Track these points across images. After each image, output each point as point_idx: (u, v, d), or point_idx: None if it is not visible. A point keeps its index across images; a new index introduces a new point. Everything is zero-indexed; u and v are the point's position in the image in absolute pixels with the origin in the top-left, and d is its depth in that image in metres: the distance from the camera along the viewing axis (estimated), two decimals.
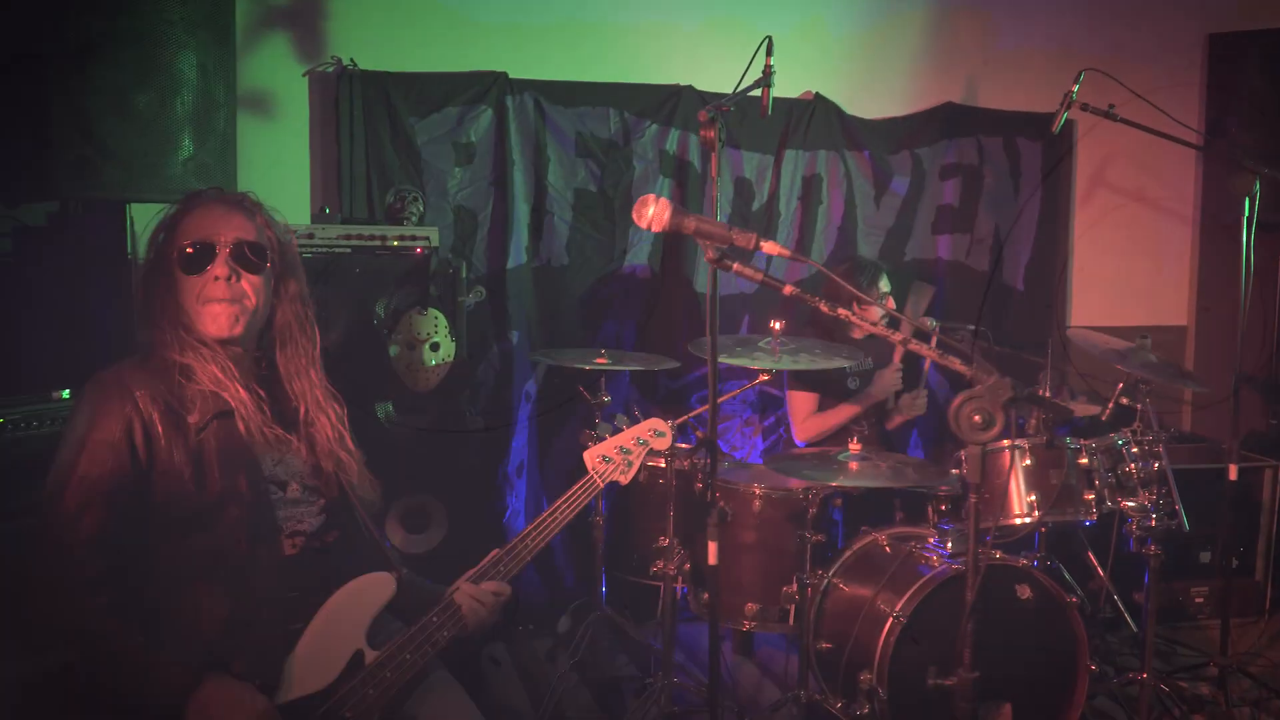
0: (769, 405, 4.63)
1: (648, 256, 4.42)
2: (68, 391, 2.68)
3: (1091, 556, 3.81)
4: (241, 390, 2.02)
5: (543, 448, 4.37)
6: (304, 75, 3.95)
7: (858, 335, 4.05)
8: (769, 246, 1.68)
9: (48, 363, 2.89)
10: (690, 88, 4.38)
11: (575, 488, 2.23)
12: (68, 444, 1.91)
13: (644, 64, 4.39)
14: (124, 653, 1.81)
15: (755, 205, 4.57)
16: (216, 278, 2.01)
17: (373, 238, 3.46)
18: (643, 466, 3.76)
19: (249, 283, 2.05)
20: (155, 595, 1.91)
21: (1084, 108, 3.49)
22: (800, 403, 4.02)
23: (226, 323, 2.03)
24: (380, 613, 2.03)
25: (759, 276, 1.77)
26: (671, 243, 4.43)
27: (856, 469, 3.19)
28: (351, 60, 3.91)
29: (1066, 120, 3.62)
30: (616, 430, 2.32)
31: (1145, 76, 3.70)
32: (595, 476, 2.28)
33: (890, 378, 3.94)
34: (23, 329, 2.96)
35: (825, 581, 3.27)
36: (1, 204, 3.12)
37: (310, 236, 3.39)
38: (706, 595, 3.52)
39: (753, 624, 3.36)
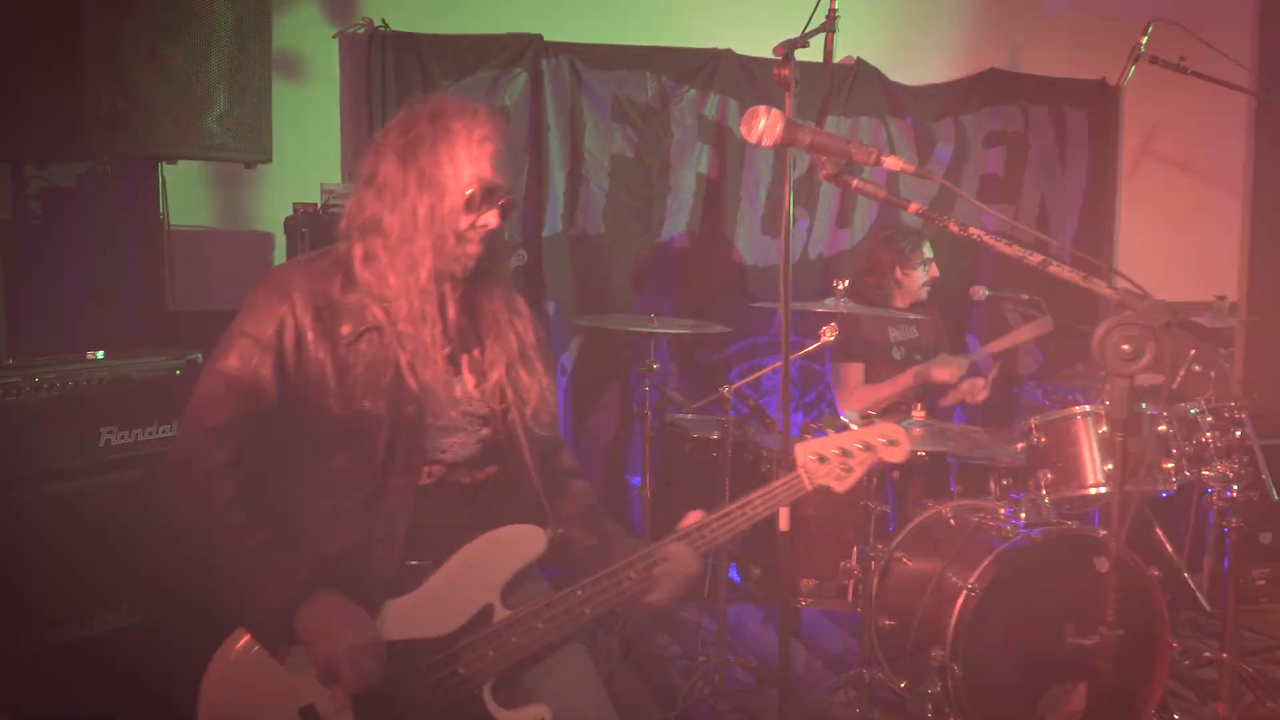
0: (809, 381, 4.49)
1: (686, 225, 4.29)
2: (101, 353, 2.57)
3: (1159, 533, 3.66)
4: (415, 305, 1.84)
5: (578, 423, 4.24)
6: (334, 36, 3.83)
7: (899, 304, 3.94)
8: (890, 162, 1.55)
9: (80, 324, 2.84)
10: (730, 51, 4.25)
11: (776, 483, 1.93)
12: (226, 336, 1.85)
13: (682, 27, 4.26)
14: (244, 549, 1.75)
15: (796, 172, 4.41)
16: (486, 225, 1.84)
17: None
18: (689, 438, 3.72)
19: None
20: (287, 513, 1.83)
21: (1153, 60, 3.34)
22: (848, 373, 3.90)
23: (472, 267, 1.87)
24: (524, 570, 1.86)
25: (881, 194, 1.64)
26: (711, 211, 4.30)
27: (922, 435, 3.05)
28: (383, 21, 3.80)
29: (1114, 87, 3.47)
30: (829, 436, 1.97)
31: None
32: (804, 475, 1.93)
33: (955, 367, 3.80)
34: (55, 291, 2.90)
35: (886, 556, 3.13)
36: (31, 164, 3.03)
37: (344, 196, 3.25)
38: (758, 571, 3.39)
39: (809, 600, 3.23)
